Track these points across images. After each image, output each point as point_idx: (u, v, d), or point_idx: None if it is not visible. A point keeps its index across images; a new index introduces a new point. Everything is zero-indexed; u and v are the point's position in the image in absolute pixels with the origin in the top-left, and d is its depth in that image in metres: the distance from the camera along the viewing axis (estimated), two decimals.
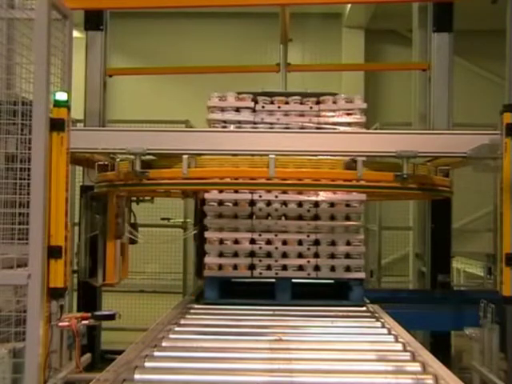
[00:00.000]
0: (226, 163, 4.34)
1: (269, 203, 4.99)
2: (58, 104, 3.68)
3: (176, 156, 4.38)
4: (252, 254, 4.94)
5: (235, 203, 5.01)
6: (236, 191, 4.99)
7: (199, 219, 5.33)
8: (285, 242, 4.96)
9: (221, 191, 5.01)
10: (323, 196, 4.96)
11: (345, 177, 4.37)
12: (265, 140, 4.44)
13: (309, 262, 4.92)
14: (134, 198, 5.81)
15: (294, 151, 4.40)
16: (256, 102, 5.08)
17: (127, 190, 4.93)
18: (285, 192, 4.98)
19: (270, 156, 4.24)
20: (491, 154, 4.16)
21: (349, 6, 10.27)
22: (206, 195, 5.04)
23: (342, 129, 5.02)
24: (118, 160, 4.65)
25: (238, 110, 5.07)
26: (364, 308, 4.78)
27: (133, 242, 5.74)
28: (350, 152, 4.38)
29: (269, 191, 4.97)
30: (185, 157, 4.28)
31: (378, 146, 4.42)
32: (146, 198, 6.03)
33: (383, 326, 4.10)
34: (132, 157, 4.43)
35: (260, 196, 4.98)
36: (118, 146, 4.48)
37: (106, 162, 4.97)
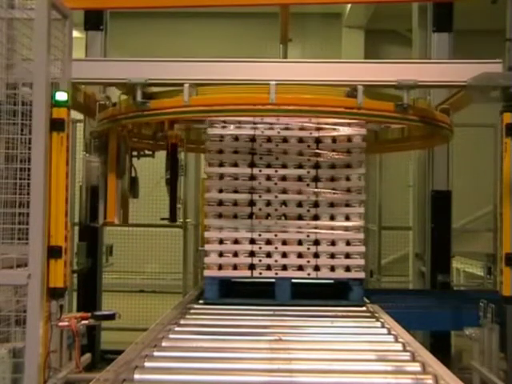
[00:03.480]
0: (228, 91, 4.34)
1: (268, 203, 4.99)
2: (58, 104, 3.68)
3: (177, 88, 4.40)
4: (252, 254, 4.94)
5: (235, 203, 5.01)
6: (236, 191, 4.99)
7: (170, 165, 5.48)
8: (285, 242, 4.96)
9: (221, 191, 5.01)
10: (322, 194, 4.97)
11: (345, 104, 4.38)
12: (266, 69, 4.48)
13: (309, 261, 4.92)
14: (135, 153, 5.83)
15: (294, 80, 4.43)
16: None
17: (128, 122, 4.92)
18: (284, 192, 4.98)
19: (271, 82, 4.24)
20: (491, 83, 4.16)
21: (349, 5, 10.28)
22: (206, 195, 5.04)
23: (342, 129, 5.02)
24: (119, 94, 4.69)
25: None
26: (364, 308, 4.78)
27: (133, 195, 5.75)
28: (350, 81, 4.43)
29: (268, 191, 4.97)
30: (186, 85, 4.28)
31: (378, 75, 4.45)
32: (147, 152, 6.03)
33: (383, 326, 4.09)
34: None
35: (260, 196, 4.98)
36: (119, 76, 4.48)
37: (107, 102, 5.01)
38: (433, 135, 5.57)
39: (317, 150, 5.00)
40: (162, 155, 5.99)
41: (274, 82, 4.28)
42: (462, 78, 4.47)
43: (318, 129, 5.04)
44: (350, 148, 5.01)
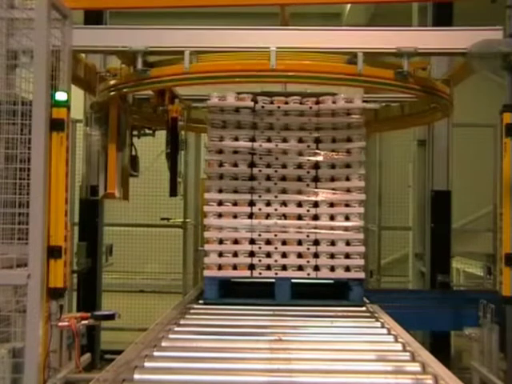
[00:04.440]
0: (228, 58, 4.37)
1: (268, 203, 4.99)
2: (57, 104, 3.68)
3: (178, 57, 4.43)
4: (252, 254, 4.94)
5: (235, 203, 5.01)
6: (236, 191, 4.99)
7: (171, 139, 5.44)
8: (284, 242, 4.96)
9: (220, 191, 5.01)
10: (322, 197, 4.97)
11: (345, 71, 4.39)
12: (266, 37, 4.49)
13: (308, 262, 4.92)
14: (136, 132, 5.83)
15: (295, 47, 4.44)
16: (256, 102, 5.08)
17: (129, 91, 4.93)
18: (284, 192, 4.98)
19: (272, 48, 4.26)
20: (491, 50, 4.16)
21: (348, 6, 10.27)
22: (206, 195, 5.04)
23: (342, 129, 5.03)
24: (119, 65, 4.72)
25: (237, 110, 5.08)
26: (364, 308, 4.78)
27: (134, 173, 5.74)
28: (350, 48, 4.44)
29: (268, 191, 4.97)
30: (186, 52, 4.29)
31: (378, 43, 4.45)
32: (148, 131, 6.03)
33: (383, 326, 4.09)
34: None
35: (260, 196, 4.98)
36: (119, 43, 4.50)
37: (107, 74, 5.03)
38: (432, 110, 5.56)
39: (317, 150, 5.00)
40: (161, 155, 5.99)
41: (274, 48, 4.28)
42: (462, 45, 4.47)
43: (318, 129, 5.04)
44: (350, 148, 5.01)
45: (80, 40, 4.24)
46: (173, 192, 5.60)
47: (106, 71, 5.32)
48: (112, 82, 4.88)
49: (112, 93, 4.87)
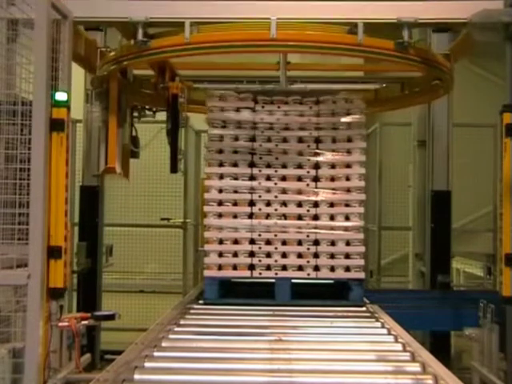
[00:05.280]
0: (228, 28, 4.37)
1: (268, 203, 4.99)
2: (57, 104, 3.68)
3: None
4: (252, 254, 4.94)
5: (235, 203, 5.01)
6: (236, 191, 4.99)
7: (171, 115, 5.40)
8: (284, 242, 4.96)
9: (220, 191, 5.01)
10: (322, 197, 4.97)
11: (345, 40, 4.40)
12: (267, 7, 4.52)
13: (308, 262, 4.92)
14: (136, 114, 5.82)
15: (295, 18, 4.45)
16: (256, 102, 5.08)
17: (129, 63, 4.92)
18: (284, 192, 4.98)
19: (272, 18, 4.27)
20: (492, 19, 4.17)
21: None
22: (206, 195, 5.04)
23: (342, 129, 5.03)
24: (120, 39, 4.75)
25: (237, 109, 5.09)
26: (364, 308, 4.78)
27: (134, 154, 5.72)
28: (351, 19, 4.44)
29: (268, 191, 4.97)
30: (187, 22, 4.30)
31: (379, 13, 4.45)
32: (148, 112, 6.02)
33: (383, 327, 4.09)
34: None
35: (260, 196, 4.98)
36: (120, 15, 4.52)
37: (108, 49, 5.02)
38: (432, 87, 5.54)
39: (317, 150, 5.01)
40: (161, 156, 5.98)
41: (274, 18, 4.29)
42: (462, 15, 4.47)
43: (318, 129, 5.04)
44: (350, 148, 5.01)
45: (80, 11, 4.25)
46: (173, 168, 5.55)
47: (106, 47, 5.31)
48: (112, 55, 4.87)
49: (113, 66, 4.85)
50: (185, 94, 5.58)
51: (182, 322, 4.16)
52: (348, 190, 4.98)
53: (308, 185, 5.00)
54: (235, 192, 5.01)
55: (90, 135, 6.24)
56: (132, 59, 4.65)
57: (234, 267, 4.95)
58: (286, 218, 4.99)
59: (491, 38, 4.34)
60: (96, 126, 5.37)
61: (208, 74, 6.29)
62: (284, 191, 5.00)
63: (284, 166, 5.03)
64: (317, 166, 5.02)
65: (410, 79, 6.01)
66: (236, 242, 4.96)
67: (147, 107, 6.10)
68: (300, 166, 5.02)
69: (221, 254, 4.96)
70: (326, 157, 5.01)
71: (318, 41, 4.40)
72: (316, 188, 4.99)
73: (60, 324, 3.76)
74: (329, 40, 4.40)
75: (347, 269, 4.92)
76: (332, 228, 4.95)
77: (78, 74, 6.04)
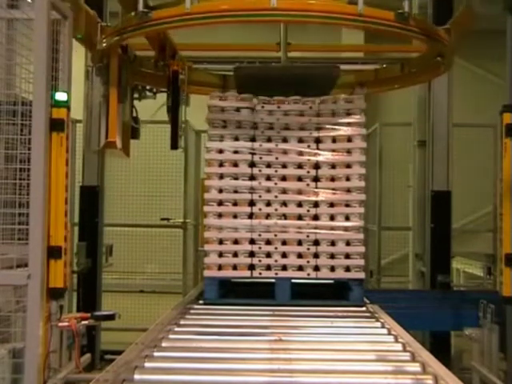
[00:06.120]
0: None
1: (268, 203, 4.99)
2: (57, 104, 3.68)
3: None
4: (252, 255, 4.94)
5: (235, 203, 5.01)
6: (236, 191, 4.99)
7: (172, 91, 5.41)
8: (284, 242, 4.96)
9: (220, 191, 5.01)
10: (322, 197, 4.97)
11: (345, 10, 4.38)
12: None
13: (308, 262, 4.91)
14: (136, 95, 5.81)
15: None
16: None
17: (130, 35, 4.88)
18: (284, 192, 4.98)
19: None
20: None
21: None
22: (206, 195, 5.04)
23: (342, 129, 5.03)
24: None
25: (237, 109, 5.09)
26: (364, 308, 4.78)
27: (134, 135, 5.70)
28: None
29: (268, 191, 4.97)
30: None
31: None
32: (148, 94, 6.01)
33: (383, 327, 4.09)
34: None
35: (260, 196, 4.98)
36: None
37: (108, 24, 5.00)
38: (433, 65, 5.52)
39: (317, 150, 5.00)
40: (161, 155, 5.97)
41: None
42: None
43: (318, 129, 5.04)
44: (350, 148, 5.01)
45: None
46: (174, 144, 5.52)
47: (106, 24, 5.30)
48: (113, 27, 4.84)
49: (113, 39, 4.82)
50: (185, 71, 5.56)
51: (182, 322, 4.15)
52: (348, 190, 4.98)
53: (308, 185, 4.99)
54: (235, 192, 5.00)
55: (91, 112, 6.18)
56: (133, 31, 4.63)
57: (234, 267, 4.94)
58: (286, 218, 4.99)
59: (491, 9, 4.33)
60: (97, 103, 5.31)
61: (208, 55, 6.24)
62: (284, 191, 5.00)
63: (284, 166, 5.02)
64: (317, 165, 5.02)
65: (409, 59, 5.97)
66: (236, 242, 4.96)
67: (148, 88, 6.07)
68: (300, 166, 5.02)
69: (221, 254, 4.96)
70: (326, 157, 5.00)
71: (318, 10, 4.38)
72: (316, 188, 4.98)
73: (60, 324, 3.76)
74: (329, 10, 4.38)
75: (347, 269, 4.91)
76: (332, 228, 4.94)
77: (79, 74, 6.04)
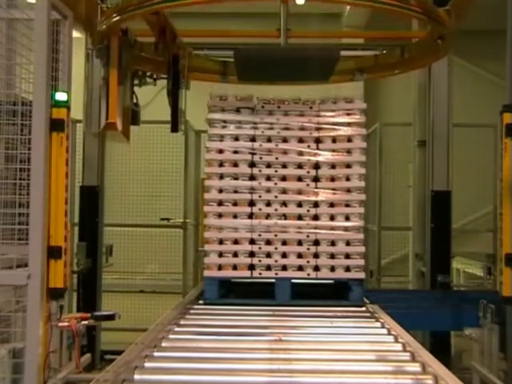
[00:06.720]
0: None
1: (268, 203, 4.99)
2: (57, 104, 3.68)
3: None
4: (252, 255, 4.94)
5: (235, 203, 5.01)
6: (236, 191, 4.99)
7: (172, 75, 5.41)
8: (284, 243, 4.96)
9: (220, 191, 5.01)
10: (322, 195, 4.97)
11: None
12: None
13: (308, 262, 4.91)
14: (137, 82, 5.79)
15: None
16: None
17: (131, 14, 4.84)
18: (284, 192, 4.98)
19: None
20: None
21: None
22: (206, 195, 5.04)
23: (342, 129, 5.03)
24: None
25: (237, 109, 5.09)
26: (364, 308, 4.78)
27: (135, 120, 5.67)
28: None
29: (268, 191, 4.97)
30: None
31: None
32: (149, 80, 5.99)
33: (383, 327, 4.09)
34: None
35: (260, 196, 4.98)
36: None
37: (108, 6, 4.99)
38: (432, 49, 5.50)
39: (317, 150, 5.00)
40: (161, 156, 5.95)
41: None
42: None
43: (318, 129, 5.04)
44: (350, 148, 5.01)
45: None
46: (174, 127, 5.49)
47: (106, 5, 5.28)
48: (113, 7, 4.80)
49: (114, 19, 4.79)
50: (186, 56, 5.53)
51: (182, 322, 4.15)
52: (348, 190, 4.98)
53: (308, 185, 4.99)
54: (235, 192, 5.01)
55: (91, 95, 6.13)
56: (133, 10, 4.58)
57: (234, 267, 4.94)
58: (286, 218, 4.99)
59: None
60: (97, 86, 5.28)
61: (208, 41, 6.20)
62: (284, 191, 5.00)
63: (284, 166, 5.03)
64: (317, 166, 5.02)
65: (409, 44, 5.93)
66: (236, 242, 4.96)
67: (148, 74, 6.05)
68: (300, 166, 5.02)
69: (221, 254, 4.96)
70: (326, 157, 5.00)
71: None
72: (316, 188, 4.98)
73: (60, 324, 3.76)
74: None
75: (347, 269, 4.92)
76: (332, 228, 4.94)
77: (79, 74, 6.04)
